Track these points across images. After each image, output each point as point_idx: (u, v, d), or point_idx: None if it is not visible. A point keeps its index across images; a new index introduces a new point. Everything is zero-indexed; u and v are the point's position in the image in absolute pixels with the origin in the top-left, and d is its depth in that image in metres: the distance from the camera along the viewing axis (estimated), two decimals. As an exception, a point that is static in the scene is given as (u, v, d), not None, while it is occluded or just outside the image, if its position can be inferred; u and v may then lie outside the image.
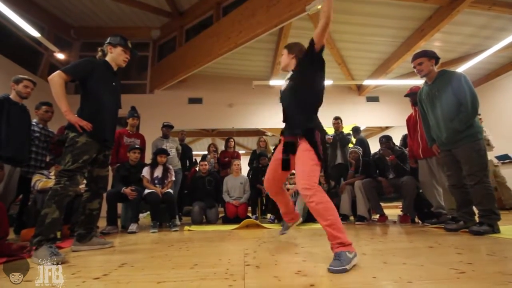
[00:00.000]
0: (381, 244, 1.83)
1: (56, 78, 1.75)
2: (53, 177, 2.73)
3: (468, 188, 2.23)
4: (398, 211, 3.67)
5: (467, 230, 2.18)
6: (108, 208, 3.06)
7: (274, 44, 6.03)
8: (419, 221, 3.17)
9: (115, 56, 2.03)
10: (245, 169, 4.61)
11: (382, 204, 3.39)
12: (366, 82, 6.68)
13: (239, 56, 6.21)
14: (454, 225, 2.35)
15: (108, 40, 2.05)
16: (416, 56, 2.42)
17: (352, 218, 3.61)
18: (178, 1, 6.44)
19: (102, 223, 2.96)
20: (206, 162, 4.11)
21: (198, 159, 4.68)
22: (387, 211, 3.44)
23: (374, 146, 4.45)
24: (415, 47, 5.21)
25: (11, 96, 2.59)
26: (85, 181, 2.04)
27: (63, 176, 1.71)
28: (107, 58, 2.04)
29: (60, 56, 6.09)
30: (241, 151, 6.19)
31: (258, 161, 4.24)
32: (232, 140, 4.81)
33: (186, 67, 6.13)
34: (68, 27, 6.85)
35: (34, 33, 4.94)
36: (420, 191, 3.09)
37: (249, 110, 7.11)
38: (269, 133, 8.28)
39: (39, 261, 1.43)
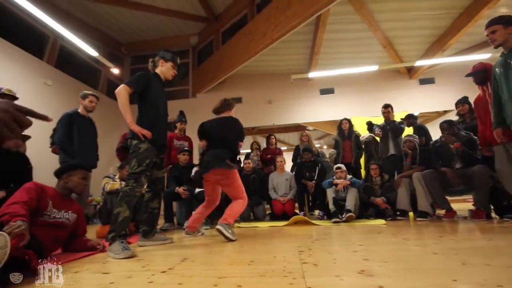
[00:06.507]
0: (453, 243, 1.63)
1: (122, 91, 1.92)
2: (118, 180, 3.04)
3: None
4: (469, 205, 3.24)
5: None
6: (165, 207, 3.30)
7: (311, 34, 5.82)
8: (497, 216, 2.75)
9: (165, 70, 2.18)
10: (289, 164, 4.56)
11: (448, 198, 3.02)
12: (419, 63, 6.01)
13: (276, 51, 6.14)
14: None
15: (161, 54, 2.19)
16: (490, 23, 2.10)
17: (411, 214, 3.29)
18: (212, 4, 6.63)
19: (160, 220, 3.21)
20: (249, 160, 4.16)
21: (242, 157, 4.76)
22: (455, 206, 3.05)
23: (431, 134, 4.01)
24: (477, 17, 4.54)
25: (79, 110, 2.93)
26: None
27: (131, 179, 1.89)
28: (157, 70, 2.19)
29: (115, 71, 6.77)
30: (283, 148, 6.12)
31: (302, 156, 4.13)
32: (273, 136, 4.78)
33: (224, 69, 6.29)
34: (119, 44, 7.58)
35: (93, 52, 5.58)
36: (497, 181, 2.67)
37: (289, 105, 7.00)
38: (310, 127, 8.01)
39: (114, 255, 1.60)
